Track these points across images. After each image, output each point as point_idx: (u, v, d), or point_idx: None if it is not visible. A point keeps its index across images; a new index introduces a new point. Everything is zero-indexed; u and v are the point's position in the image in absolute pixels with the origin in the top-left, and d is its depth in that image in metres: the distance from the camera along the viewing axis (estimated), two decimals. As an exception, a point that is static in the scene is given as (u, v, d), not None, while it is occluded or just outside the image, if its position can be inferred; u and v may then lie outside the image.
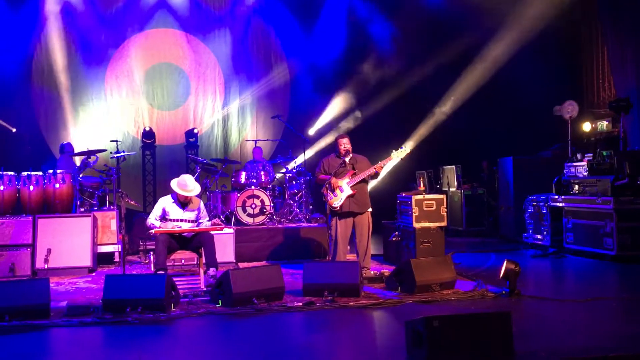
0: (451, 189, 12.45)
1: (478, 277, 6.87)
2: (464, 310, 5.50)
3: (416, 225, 7.89)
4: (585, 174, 8.89)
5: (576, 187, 9.00)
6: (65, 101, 12.55)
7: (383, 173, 7.54)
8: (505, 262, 6.18)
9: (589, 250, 8.61)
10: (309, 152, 11.12)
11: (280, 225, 9.61)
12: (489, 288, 6.30)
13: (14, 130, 11.86)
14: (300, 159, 10.75)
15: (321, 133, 12.87)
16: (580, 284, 7.61)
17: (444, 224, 7.98)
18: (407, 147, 7.46)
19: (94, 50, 12.65)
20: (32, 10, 12.09)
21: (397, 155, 7.41)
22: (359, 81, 13.40)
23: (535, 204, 9.86)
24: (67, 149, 10.35)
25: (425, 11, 12.80)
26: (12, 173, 8.32)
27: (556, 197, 9.33)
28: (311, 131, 13.04)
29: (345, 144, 7.47)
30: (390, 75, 13.33)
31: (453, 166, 12.50)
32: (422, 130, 13.04)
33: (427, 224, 7.91)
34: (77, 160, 10.11)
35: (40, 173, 8.45)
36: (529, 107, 11.95)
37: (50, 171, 8.53)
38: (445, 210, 7.99)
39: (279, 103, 13.49)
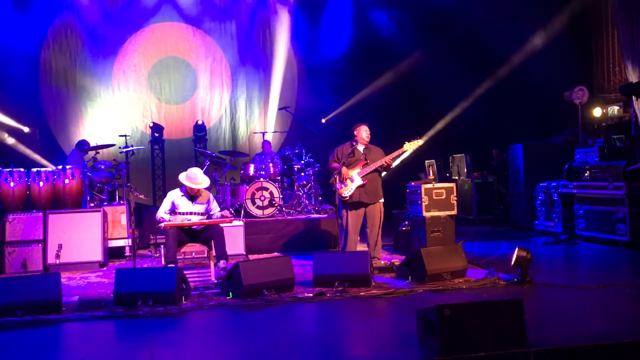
0: (461, 178, 12.39)
1: (489, 265, 6.84)
2: (476, 298, 5.47)
3: (426, 214, 7.85)
4: (597, 159, 8.80)
5: (587, 173, 8.92)
6: (73, 97, 12.59)
7: (395, 163, 7.47)
8: (517, 249, 6.13)
9: (601, 237, 8.54)
10: (318, 144, 11.07)
11: (289, 217, 9.61)
12: (500, 276, 6.26)
13: (27, 130, 11.94)
14: (308, 150, 10.72)
15: (330, 124, 12.81)
16: (593, 270, 7.54)
17: (454, 212, 7.93)
18: (419, 139, 7.39)
19: (101, 45, 12.66)
20: (40, 8, 12.09)
21: (410, 147, 7.36)
22: (368, 72, 13.34)
23: (546, 191, 9.78)
24: (83, 146, 10.33)
25: (429, 3, 12.67)
26: (22, 169, 8.37)
27: (567, 183, 9.25)
28: (323, 120, 13.00)
29: (366, 131, 7.39)
30: (398, 65, 13.25)
31: (463, 155, 12.42)
32: (433, 121, 12.96)
33: (437, 213, 7.86)
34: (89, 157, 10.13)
35: (50, 169, 8.48)
36: (538, 93, 11.84)
37: (60, 167, 8.57)
38: (455, 198, 7.94)
39: (287, 95, 13.45)
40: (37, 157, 11.29)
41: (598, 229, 8.61)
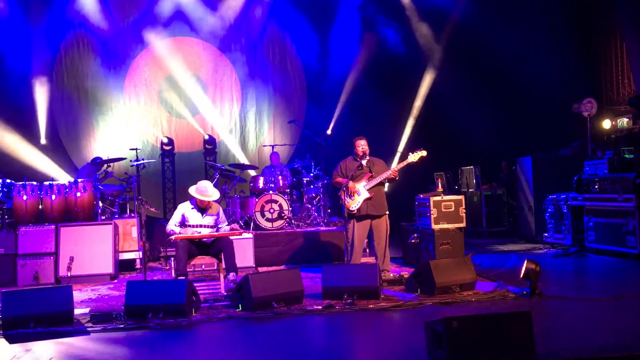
0: (470, 190, 12.38)
1: (498, 278, 6.83)
2: (485, 311, 5.47)
3: (435, 226, 7.86)
4: (606, 171, 8.78)
5: (597, 185, 8.90)
6: (85, 111, 12.73)
7: (402, 174, 7.50)
8: (526, 262, 6.13)
9: (611, 249, 8.51)
10: (326, 156, 11.13)
11: (298, 230, 9.64)
12: (509, 288, 6.26)
13: (44, 142, 12.10)
14: (317, 163, 10.78)
15: (338, 136, 12.87)
16: (603, 283, 7.51)
17: (463, 225, 7.94)
18: (423, 150, 7.42)
19: (112, 60, 12.82)
20: (52, 22, 12.27)
21: (414, 158, 7.39)
22: (375, 85, 13.40)
23: (555, 203, 9.77)
24: (95, 160, 10.43)
25: (439, 14, 12.75)
26: (35, 183, 8.48)
27: (577, 195, 9.23)
28: (328, 131, 13.10)
29: (362, 145, 7.48)
30: (405, 79, 13.32)
31: (472, 167, 12.43)
32: (442, 133, 12.97)
33: (446, 225, 7.87)
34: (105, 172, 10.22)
35: (61, 182, 8.58)
36: (547, 105, 11.85)
37: (72, 180, 8.66)
38: (464, 211, 7.95)
39: (296, 108, 13.55)
40: (48, 171, 11.42)
41: (608, 242, 8.57)
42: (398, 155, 12.67)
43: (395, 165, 7.51)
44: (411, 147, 7.55)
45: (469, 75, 12.70)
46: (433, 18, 12.79)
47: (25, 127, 12.01)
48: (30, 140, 11.98)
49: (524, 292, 6.07)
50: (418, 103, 13.19)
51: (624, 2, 11.43)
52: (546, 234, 9.96)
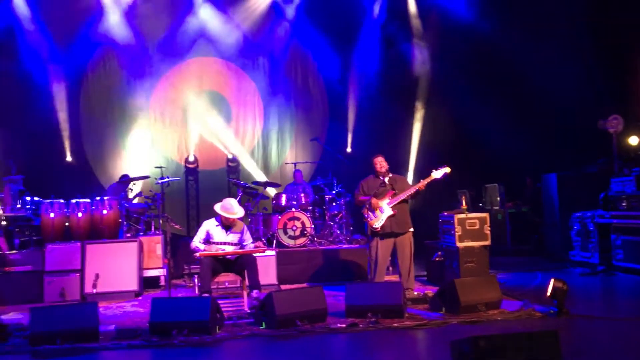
0: (494, 208, 12.26)
1: (524, 297, 6.74)
2: (511, 330, 5.38)
3: (459, 244, 7.80)
4: (634, 189, 8.64)
5: (624, 202, 8.75)
6: (111, 130, 12.94)
7: (426, 192, 7.47)
8: (553, 280, 6.04)
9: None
10: (348, 173, 11.14)
11: (321, 247, 9.62)
12: (536, 307, 6.17)
13: (70, 159, 12.33)
14: (339, 180, 10.78)
15: (360, 153, 12.88)
16: (632, 302, 7.35)
17: (487, 242, 7.86)
18: (447, 166, 7.39)
19: (139, 79, 13.03)
20: (80, 43, 12.53)
21: (437, 174, 7.35)
22: (397, 102, 13.43)
23: (581, 220, 9.63)
24: (122, 178, 10.59)
25: (463, 31, 12.75)
26: (62, 201, 8.61)
27: (603, 213, 9.09)
28: (348, 149, 13.15)
29: (381, 162, 7.48)
30: (428, 97, 13.33)
31: (495, 184, 12.33)
32: (466, 151, 12.91)
33: (470, 243, 7.80)
34: (130, 189, 10.36)
35: (88, 200, 8.71)
36: (572, 121, 11.72)
37: (98, 198, 8.79)
38: (489, 228, 7.87)
39: (317, 125, 13.62)
40: (74, 189, 11.61)
41: (637, 260, 8.40)
42: (421, 172, 12.64)
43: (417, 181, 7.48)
44: (434, 164, 7.49)
45: (493, 92, 12.65)
46: (457, 35, 12.78)
47: (52, 145, 12.24)
48: (56, 158, 12.20)
49: (551, 311, 5.98)
50: (441, 121, 13.15)
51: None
52: (573, 252, 9.81)
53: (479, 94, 12.54)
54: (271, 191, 11.93)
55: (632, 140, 11.45)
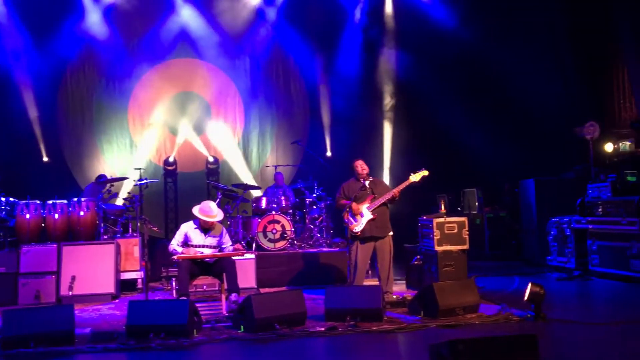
0: (472, 212, 12.36)
1: (502, 301, 6.78)
2: (489, 334, 5.41)
3: (438, 248, 7.84)
4: (610, 195, 8.77)
5: (600, 208, 8.88)
6: (90, 131, 12.80)
7: (405, 196, 7.50)
8: (530, 284, 6.09)
9: (615, 273, 8.45)
10: (329, 176, 11.14)
11: (301, 250, 9.61)
12: (513, 312, 6.22)
13: (46, 159, 12.15)
14: (320, 184, 10.78)
15: (341, 157, 12.90)
16: (608, 307, 7.47)
17: (466, 247, 7.91)
18: (425, 170, 7.41)
19: (118, 80, 12.93)
20: (59, 43, 12.38)
21: (415, 178, 7.37)
22: (378, 106, 13.49)
23: (558, 226, 9.74)
24: (100, 179, 10.44)
25: (442, 37, 12.85)
26: (38, 201, 8.47)
27: (580, 218, 9.21)
28: (328, 153, 13.17)
29: (362, 165, 7.50)
30: (409, 99, 13.39)
31: (474, 189, 12.43)
32: (444, 155, 12.99)
33: (449, 247, 7.85)
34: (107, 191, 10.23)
35: (65, 201, 8.59)
36: (549, 128, 11.88)
37: (75, 199, 8.67)
38: (467, 233, 7.92)
39: (299, 128, 13.61)
40: (51, 189, 11.45)
41: (612, 265, 8.53)
42: (401, 176, 12.69)
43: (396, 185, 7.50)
44: (412, 168, 7.52)
45: (473, 98, 12.77)
46: (436, 40, 12.87)
47: (28, 144, 12.07)
48: (32, 158, 12.02)
49: (528, 315, 6.03)
50: (420, 125, 13.23)
51: (627, 26, 11.53)
52: (550, 257, 9.92)
53: (459, 100, 12.66)
54: (256, 193, 11.89)
55: (608, 147, 11.63)
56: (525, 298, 6.08)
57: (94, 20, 12.60)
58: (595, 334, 5.56)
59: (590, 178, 9.80)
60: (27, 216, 8.29)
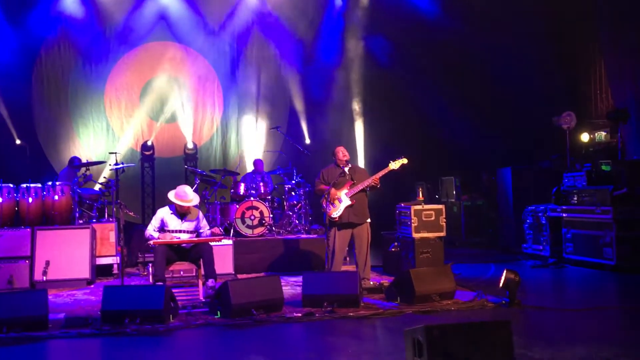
0: (450, 200, 12.45)
1: (478, 288, 6.85)
2: (464, 320, 5.47)
3: (415, 235, 7.88)
4: (585, 184, 8.89)
5: (575, 197, 9.00)
6: (65, 114, 12.60)
7: (383, 183, 7.51)
8: (505, 271, 6.16)
9: (588, 260, 8.59)
10: (308, 163, 11.12)
11: (279, 237, 9.59)
12: (488, 298, 6.28)
13: (18, 142, 11.92)
14: (299, 170, 10.75)
15: (320, 144, 12.89)
16: (581, 293, 7.59)
17: (443, 234, 7.98)
18: (404, 157, 7.42)
19: (94, 63, 12.72)
20: (34, 23, 12.12)
21: (394, 165, 7.38)
22: (358, 93, 13.47)
23: (534, 214, 9.85)
24: (74, 162, 10.29)
25: (422, 25, 12.87)
26: (11, 185, 8.31)
27: (555, 207, 9.32)
28: (307, 140, 13.12)
29: (343, 151, 7.50)
30: (388, 87, 13.39)
31: (452, 177, 12.52)
32: (422, 143, 13.04)
33: (426, 234, 7.91)
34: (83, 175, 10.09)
35: (39, 185, 8.44)
36: (527, 117, 11.98)
37: (50, 183, 8.53)
38: (445, 220, 7.98)
39: (279, 114, 13.53)
40: (25, 173, 11.26)
41: (586, 253, 8.66)
42: (380, 163, 12.71)
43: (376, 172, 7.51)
44: (391, 156, 7.52)
45: (452, 87, 12.82)
46: (416, 28, 12.88)
47: (4, 127, 11.83)
48: (4, 140, 11.79)
49: (503, 302, 6.10)
50: (399, 114, 13.25)
51: (605, 19, 11.63)
52: (525, 245, 10.04)
53: (437, 88, 12.71)
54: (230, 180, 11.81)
55: (584, 137, 11.77)
56: (501, 285, 6.15)
57: (70, 0, 12.35)
58: (568, 320, 5.66)
59: (566, 167, 9.92)
60: (0, 200, 8.14)
